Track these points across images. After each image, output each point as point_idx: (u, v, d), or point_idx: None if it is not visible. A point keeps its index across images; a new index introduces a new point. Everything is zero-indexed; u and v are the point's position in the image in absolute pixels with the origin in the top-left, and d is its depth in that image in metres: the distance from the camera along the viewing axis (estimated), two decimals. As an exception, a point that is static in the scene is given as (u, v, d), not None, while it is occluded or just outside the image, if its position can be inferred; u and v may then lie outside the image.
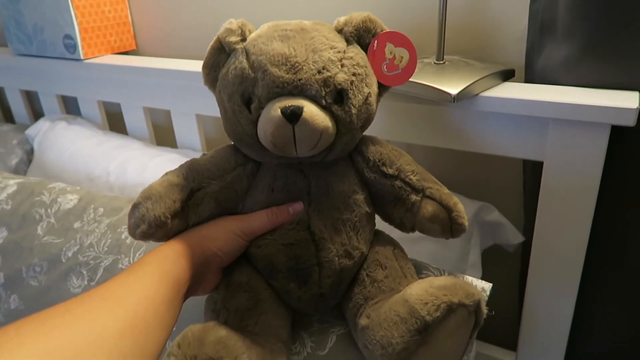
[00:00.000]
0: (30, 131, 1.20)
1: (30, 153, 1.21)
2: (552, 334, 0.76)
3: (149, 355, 0.40)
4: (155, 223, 0.50)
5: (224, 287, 0.54)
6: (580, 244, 0.69)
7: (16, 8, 1.09)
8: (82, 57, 1.04)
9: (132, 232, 0.52)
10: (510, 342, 0.85)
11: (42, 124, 1.19)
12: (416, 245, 0.69)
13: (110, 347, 0.36)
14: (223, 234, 0.52)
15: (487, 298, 0.57)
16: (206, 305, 0.55)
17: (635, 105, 0.58)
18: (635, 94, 0.62)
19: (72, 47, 1.05)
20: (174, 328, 0.47)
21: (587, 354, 0.80)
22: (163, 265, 0.47)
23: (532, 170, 0.76)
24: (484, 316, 0.48)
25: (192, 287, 0.50)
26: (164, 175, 0.55)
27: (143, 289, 0.43)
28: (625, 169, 0.66)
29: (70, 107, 1.30)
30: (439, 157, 0.92)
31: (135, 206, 0.52)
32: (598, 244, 0.70)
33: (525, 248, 0.85)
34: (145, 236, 0.51)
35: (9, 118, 1.48)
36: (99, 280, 0.72)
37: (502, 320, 0.50)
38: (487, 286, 0.59)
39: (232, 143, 0.56)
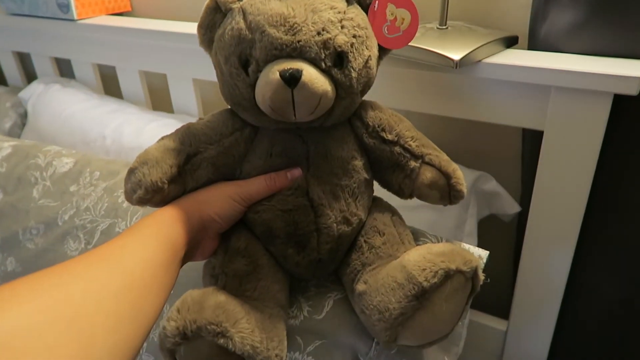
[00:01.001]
0: (23, 94, 1.18)
1: (24, 116, 1.19)
2: (545, 302, 0.77)
3: (146, 316, 0.40)
4: (152, 188, 0.50)
5: (222, 252, 0.54)
6: (577, 213, 0.69)
7: (6, -35, 1.05)
8: (75, 18, 1.02)
9: (129, 197, 0.52)
10: (502, 311, 0.87)
11: (35, 87, 1.17)
12: (414, 213, 0.69)
13: (108, 307, 0.36)
14: (220, 199, 0.52)
15: (483, 265, 0.58)
16: (204, 271, 0.55)
17: (639, 74, 0.57)
18: (639, 62, 0.61)
19: (65, 7, 1.02)
20: (172, 292, 0.47)
21: (577, 321, 0.81)
22: (160, 229, 0.47)
23: (532, 140, 0.76)
24: (481, 282, 0.49)
25: (189, 252, 0.50)
26: (160, 140, 0.54)
27: (140, 251, 0.43)
28: (626, 140, 0.66)
29: (64, 70, 1.27)
30: (436, 125, 0.91)
31: (132, 171, 0.52)
32: (591, 212, 0.70)
33: (522, 218, 0.85)
34: (142, 201, 0.51)
35: (2, 80, 1.45)
36: (96, 243, 0.72)
37: (495, 290, 0.51)
38: (484, 253, 0.60)
39: (229, 107, 0.55)
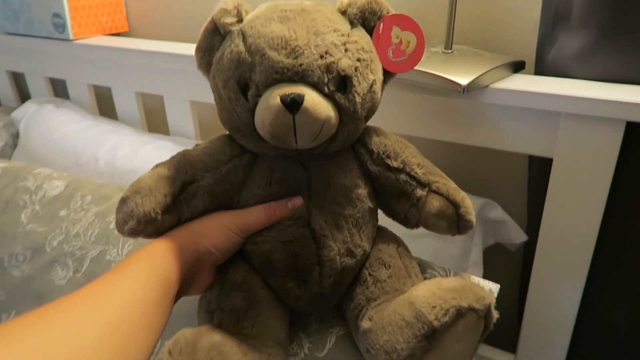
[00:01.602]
0: (16, 114, 1.16)
1: (15, 137, 1.17)
2: (554, 335, 0.74)
3: None
4: (145, 219, 0.47)
5: (218, 286, 0.51)
6: (588, 244, 0.67)
7: (2, -17, 1.04)
8: (71, 38, 1.00)
9: (120, 228, 0.49)
10: (509, 343, 0.83)
11: (28, 107, 1.15)
12: (417, 241, 0.67)
13: (87, 357, 0.33)
14: (217, 230, 0.50)
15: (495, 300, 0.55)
16: (200, 305, 0.52)
17: (653, 101, 0.56)
18: (652, 88, 0.59)
19: (61, 27, 1.00)
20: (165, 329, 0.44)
21: (588, 354, 0.78)
22: (152, 263, 0.44)
23: (539, 167, 0.74)
24: (494, 320, 0.46)
25: (184, 287, 0.48)
26: (154, 167, 0.52)
27: (128, 289, 0.40)
28: (638, 168, 0.64)
29: (59, 90, 1.25)
30: (440, 150, 0.89)
31: (124, 200, 0.49)
32: (602, 242, 0.67)
33: (528, 247, 0.83)
34: (134, 233, 0.48)
35: (-5, 100, 1.43)
36: (84, 271, 0.69)
37: (501, 321, 0.48)
38: (495, 287, 0.57)
39: (227, 133, 0.53)
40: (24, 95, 1.32)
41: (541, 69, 0.71)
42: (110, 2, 1.07)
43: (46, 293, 0.71)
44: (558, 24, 0.67)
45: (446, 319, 0.42)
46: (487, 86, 0.64)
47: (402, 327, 0.44)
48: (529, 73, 0.71)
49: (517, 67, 0.69)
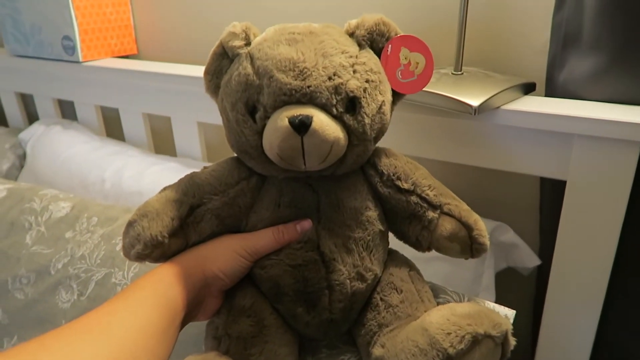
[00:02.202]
0: (23, 135, 1.16)
1: (22, 158, 1.17)
2: (570, 362, 0.72)
3: None
4: (152, 243, 0.47)
5: (225, 311, 0.50)
6: (604, 268, 0.65)
7: (14, 6, 1.05)
8: (80, 60, 1.01)
9: (127, 252, 0.48)
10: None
11: (36, 128, 1.16)
12: (428, 265, 0.66)
13: None
14: (225, 254, 0.49)
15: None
16: (207, 331, 0.51)
17: (667, 122, 0.55)
18: (666, 110, 0.58)
19: (70, 49, 1.01)
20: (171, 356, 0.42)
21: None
22: (157, 289, 0.43)
23: (551, 189, 0.73)
24: (512, 347, 0.44)
25: (190, 313, 0.47)
26: (161, 191, 0.51)
27: (132, 317, 0.39)
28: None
29: (67, 111, 1.26)
30: (450, 172, 0.88)
31: (131, 224, 0.49)
32: (618, 268, 0.66)
33: (541, 271, 0.81)
34: (140, 257, 0.47)
35: (2, 121, 1.44)
36: (89, 295, 0.68)
37: (514, 347, 0.47)
38: (510, 313, 0.55)
39: (235, 155, 0.52)
40: (31, 116, 1.32)
41: (552, 91, 0.71)
42: (119, 25, 1.08)
43: (49, 317, 0.70)
44: (568, 46, 0.66)
45: (462, 346, 0.41)
46: (498, 107, 0.63)
47: (416, 355, 0.43)
48: (539, 95, 0.70)
49: (528, 88, 0.69)
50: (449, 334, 0.42)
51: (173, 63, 1.00)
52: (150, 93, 1.00)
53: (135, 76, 0.96)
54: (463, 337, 0.41)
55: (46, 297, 0.71)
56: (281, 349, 0.49)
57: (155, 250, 0.47)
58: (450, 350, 0.41)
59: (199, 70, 0.90)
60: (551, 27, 0.70)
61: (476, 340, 0.42)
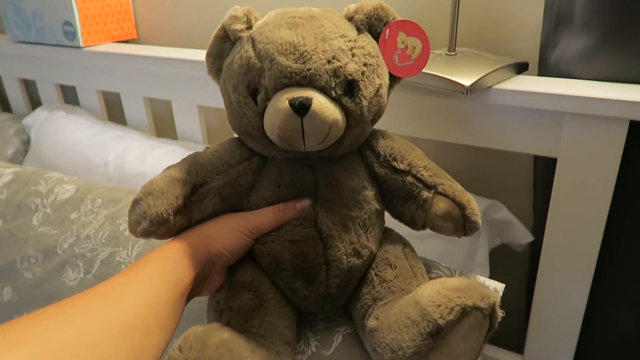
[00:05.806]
0: (27, 120, 1.18)
1: (27, 143, 1.18)
2: (561, 336, 0.74)
3: (148, 358, 0.38)
4: (157, 220, 0.48)
5: (226, 286, 0.52)
6: (594, 243, 0.67)
7: (15, -7, 1.06)
8: (81, 45, 1.02)
9: (133, 229, 0.50)
10: (516, 344, 0.84)
11: (39, 113, 1.17)
12: (423, 242, 0.68)
13: (105, 351, 0.34)
14: (228, 232, 0.50)
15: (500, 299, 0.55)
16: (209, 305, 0.53)
17: (656, 100, 0.56)
18: (655, 88, 0.60)
19: (71, 34, 1.02)
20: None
21: (595, 355, 0.78)
22: (165, 265, 0.45)
23: (544, 167, 0.74)
24: (499, 319, 0.46)
25: (196, 288, 0.48)
26: (165, 170, 0.53)
27: (143, 290, 0.41)
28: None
29: (69, 97, 1.27)
30: (445, 152, 0.90)
31: (136, 202, 0.50)
32: (608, 242, 0.68)
33: (534, 248, 0.83)
34: (146, 233, 0.49)
35: (6, 107, 1.45)
36: (95, 273, 0.70)
37: (508, 322, 0.49)
38: (500, 287, 0.57)
39: (237, 136, 0.54)
40: (34, 102, 1.33)
41: (544, 70, 0.72)
42: (119, 11, 1.09)
43: (57, 294, 0.72)
44: (560, 26, 0.67)
45: (451, 317, 0.43)
46: (490, 87, 0.64)
47: (408, 326, 0.45)
48: (532, 74, 0.71)
49: (521, 68, 0.70)
50: (439, 305, 0.43)
51: (173, 47, 1.01)
52: (150, 77, 1.01)
53: (136, 61, 0.97)
54: (452, 308, 0.43)
55: (54, 276, 0.73)
56: (280, 321, 0.51)
57: (160, 228, 0.49)
58: (440, 321, 0.43)
59: (198, 54, 0.91)
60: (544, 7, 0.71)
61: (465, 312, 0.43)
